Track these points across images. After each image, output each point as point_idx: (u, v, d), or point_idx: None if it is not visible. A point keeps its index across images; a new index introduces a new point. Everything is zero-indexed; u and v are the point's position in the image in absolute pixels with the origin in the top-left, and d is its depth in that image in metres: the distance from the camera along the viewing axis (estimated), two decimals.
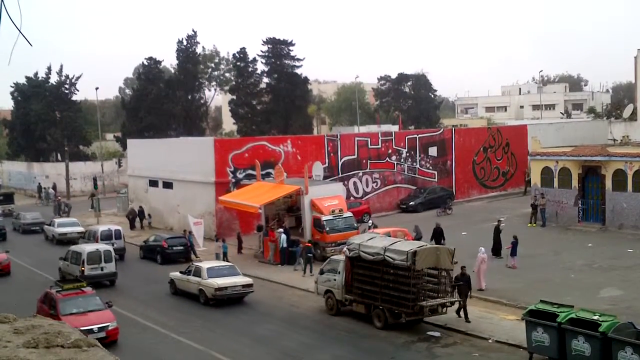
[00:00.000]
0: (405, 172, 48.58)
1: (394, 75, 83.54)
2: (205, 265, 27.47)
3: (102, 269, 29.81)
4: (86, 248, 30.95)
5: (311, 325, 22.92)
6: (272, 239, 33.26)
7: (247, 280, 26.73)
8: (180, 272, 28.06)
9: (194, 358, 19.99)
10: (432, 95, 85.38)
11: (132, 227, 45.18)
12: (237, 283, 26.25)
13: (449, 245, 25.95)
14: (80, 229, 40.97)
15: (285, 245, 32.40)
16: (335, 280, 23.78)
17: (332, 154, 44.76)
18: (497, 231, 31.26)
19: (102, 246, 31.61)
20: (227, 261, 33.54)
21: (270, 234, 33.70)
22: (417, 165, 49.21)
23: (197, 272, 26.79)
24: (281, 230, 32.85)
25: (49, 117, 71.35)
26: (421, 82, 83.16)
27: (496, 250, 30.89)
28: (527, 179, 51.60)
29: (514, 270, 28.45)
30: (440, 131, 53.87)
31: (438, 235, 32.06)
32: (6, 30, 4.75)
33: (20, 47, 5.18)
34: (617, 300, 23.20)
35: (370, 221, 37.18)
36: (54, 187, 63.77)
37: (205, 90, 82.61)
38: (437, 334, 21.15)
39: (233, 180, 40.23)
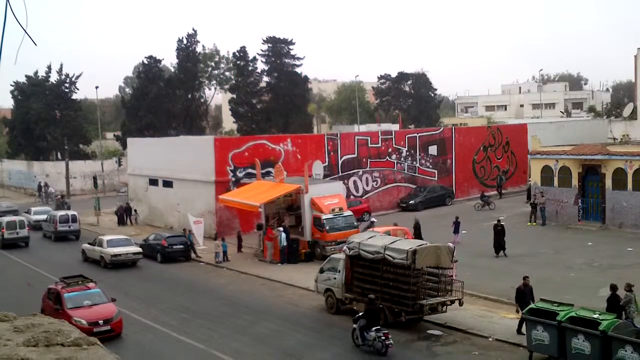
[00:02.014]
0: (405, 171, 48.58)
1: (394, 74, 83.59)
2: (105, 237, 34.67)
3: (17, 233, 39.84)
4: (5, 219, 40.86)
5: (311, 324, 22.92)
6: (269, 237, 33.01)
7: (137, 249, 33.95)
8: (89, 244, 35.12)
9: (195, 357, 19.99)
10: (432, 94, 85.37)
11: (121, 223, 47.69)
12: (129, 251, 33.40)
13: (443, 242, 25.90)
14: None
15: (285, 244, 32.36)
16: (335, 279, 23.77)
17: (332, 153, 44.76)
18: (497, 230, 31.21)
19: (18, 217, 41.89)
20: (228, 260, 33.66)
21: (269, 232, 33.46)
22: (417, 164, 49.20)
23: (100, 243, 34.05)
24: (281, 228, 32.79)
25: (49, 116, 71.41)
26: (421, 81, 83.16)
27: (497, 249, 30.90)
28: (501, 182, 50.41)
29: (514, 270, 28.38)
30: (440, 130, 53.85)
31: (417, 230, 32.11)
32: (8, 30, 4.76)
33: (20, 47, 5.18)
34: None
35: (372, 219, 37.12)
36: (46, 185, 63.87)
37: (205, 89, 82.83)
38: (437, 332, 21.16)
39: (233, 179, 40.23)
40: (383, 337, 18.84)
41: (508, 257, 30.52)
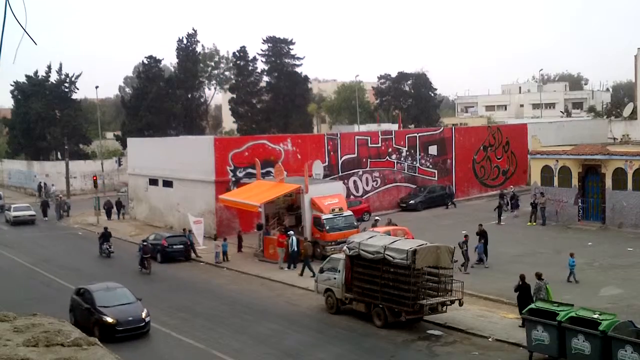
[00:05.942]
0: (405, 171, 48.56)
1: (394, 74, 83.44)
2: (13, 205, 51.40)
3: None
4: None
5: (311, 324, 22.93)
6: (281, 243, 31.93)
7: (32, 213, 49.41)
8: (7, 210, 50.56)
9: (195, 357, 19.99)
10: (432, 94, 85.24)
11: (108, 217, 49.28)
12: (26, 214, 49.12)
13: (448, 243, 25.89)
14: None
15: (295, 248, 31.58)
16: (335, 278, 23.77)
17: (332, 153, 44.75)
18: (478, 235, 29.49)
19: None
20: (227, 260, 33.60)
21: (280, 237, 32.24)
22: (417, 164, 49.19)
23: (9, 209, 50.29)
24: (292, 232, 32.02)
25: (49, 116, 71.31)
26: (421, 80, 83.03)
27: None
28: (448, 192, 48.05)
29: (513, 270, 28.32)
30: (440, 130, 53.84)
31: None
32: (7, 29, 4.75)
33: (20, 46, 5.18)
34: (617, 299, 23.21)
35: (376, 217, 37.10)
36: (45, 185, 63.75)
37: (205, 88, 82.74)
38: (437, 332, 21.16)
39: (233, 179, 40.22)
40: (109, 247, 35.42)
41: (508, 257, 30.41)
